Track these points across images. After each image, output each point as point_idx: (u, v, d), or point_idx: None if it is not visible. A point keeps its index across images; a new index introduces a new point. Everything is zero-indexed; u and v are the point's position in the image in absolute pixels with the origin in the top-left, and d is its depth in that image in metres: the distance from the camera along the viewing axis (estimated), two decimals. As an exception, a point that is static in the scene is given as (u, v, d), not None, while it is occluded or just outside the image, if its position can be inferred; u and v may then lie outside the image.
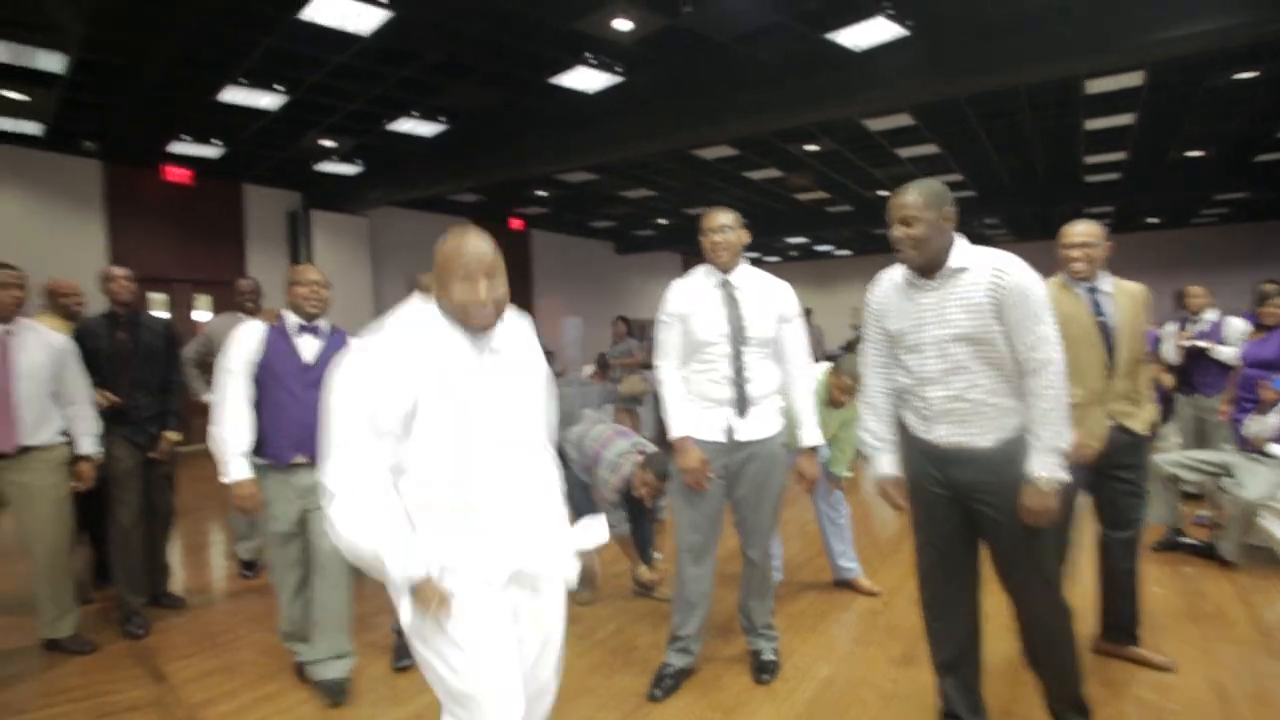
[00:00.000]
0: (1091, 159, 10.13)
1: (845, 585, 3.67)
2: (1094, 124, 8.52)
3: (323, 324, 2.78)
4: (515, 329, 1.63)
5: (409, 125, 8.31)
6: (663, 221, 14.93)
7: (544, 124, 8.22)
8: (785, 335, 2.69)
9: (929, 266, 2.07)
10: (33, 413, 3.02)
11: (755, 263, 2.80)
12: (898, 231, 2.06)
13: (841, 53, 6.31)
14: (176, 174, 9.60)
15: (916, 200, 2.04)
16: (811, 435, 2.72)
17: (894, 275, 2.20)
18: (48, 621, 3.14)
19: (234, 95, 7.23)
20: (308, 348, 2.72)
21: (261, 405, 2.66)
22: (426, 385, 1.46)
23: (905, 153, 9.82)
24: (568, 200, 12.67)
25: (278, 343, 2.69)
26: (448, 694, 1.50)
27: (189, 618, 3.56)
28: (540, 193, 12.12)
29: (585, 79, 6.98)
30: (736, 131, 8.01)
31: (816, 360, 3.31)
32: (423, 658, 1.52)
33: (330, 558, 2.65)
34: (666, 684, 2.71)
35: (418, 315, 1.53)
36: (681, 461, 2.63)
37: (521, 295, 14.14)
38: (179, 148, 8.94)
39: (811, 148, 9.58)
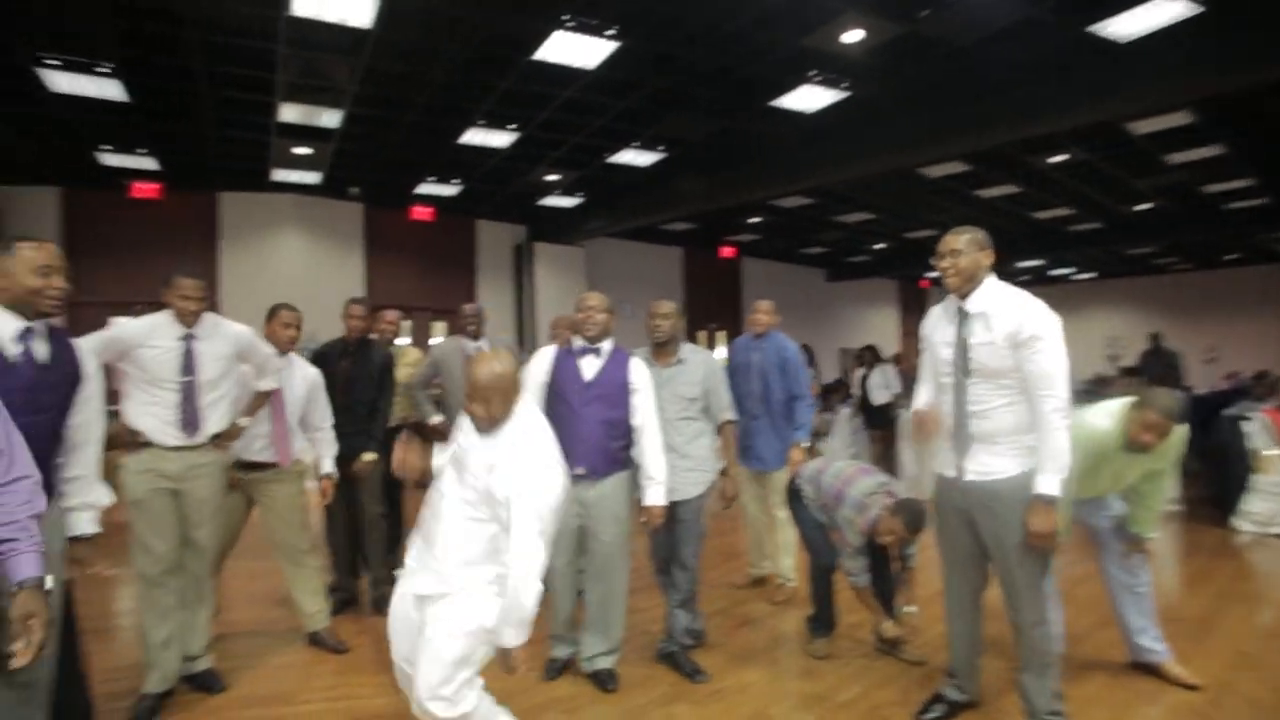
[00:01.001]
0: None
1: (1148, 670, 3.00)
2: None
3: (605, 345, 2.99)
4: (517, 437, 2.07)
5: (628, 156, 8.52)
6: (879, 246, 14.19)
7: (761, 148, 8.06)
8: (1021, 362, 2.29)
9: None
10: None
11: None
12: None
13: (1103, 45, 5.53)
14: (421, 212, 10.61)
15: None
16: (1045, 482, 2.25)
17: None
18: (306, 615, 3.42)
19: (472, 136, 7.82)
20: (589, 367, 2.96)
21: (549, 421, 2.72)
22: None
23: (1178, 158, 8.47)
24: (780, 226, 12.41)
25: (565, 363, 2.98)
26: None
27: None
28: (753, 219, 11.98)
29: (807, 98, 6.73)
30: (971, 144, 7.30)
31: None
32: None
33: (606, 561, 2.97)
34: (935, 710, 2.65)
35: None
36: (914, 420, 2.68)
37: (732, 324, 14.03)
38: (424, 188, 9.86)
39: (1058, 159, 8.57)
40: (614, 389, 2.92)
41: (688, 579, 3.16)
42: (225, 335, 2.96)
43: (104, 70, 5.97)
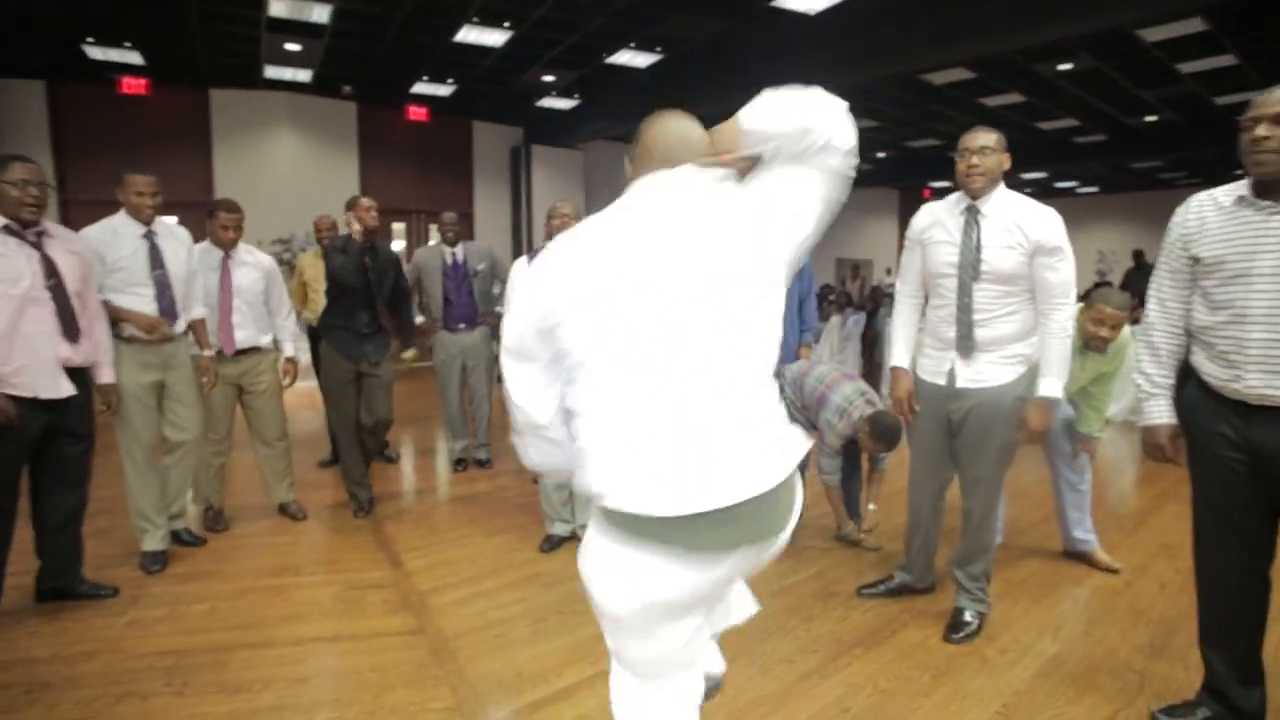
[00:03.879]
0: None
1: (1078, 558, 3.28)
2: None
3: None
4: None
5: (626, 57, 8.35)
6: (881, 155, 13.97)
7: (760, 51, 7.88)
8: (1040, 270, 2.36)
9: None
10: (247, 321, 3.58)
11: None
12: (1261, 130, 1.71)
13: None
14: (416, 113, 10.44)
15: None
16: (1049, 385, 2.38)
17: (1215, 195, 1.88)
18: (274, 491, 3.85)
19: (467, 34, 7.64)
20: None
21: None
22: None
23: (1188, 67, 8.30)
24: (779, 133, 12.21)
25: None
26: None
27: (419, 514, 3.97)
28: (752, 125, 11.77)
29: (808, -2, 6.56)
30: (976, 50, 7.15)
31: None
32: None
33: None
34: (878, 588, 2.93)
35: None
36: (891, 391, 2.70)
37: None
38: (419, 88, 9.68)
39: (1065, 66, 8.39)
40: None
41: None
42: (181, 239, 3.22)
43: (85, -43, 5.82)
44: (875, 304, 9.46)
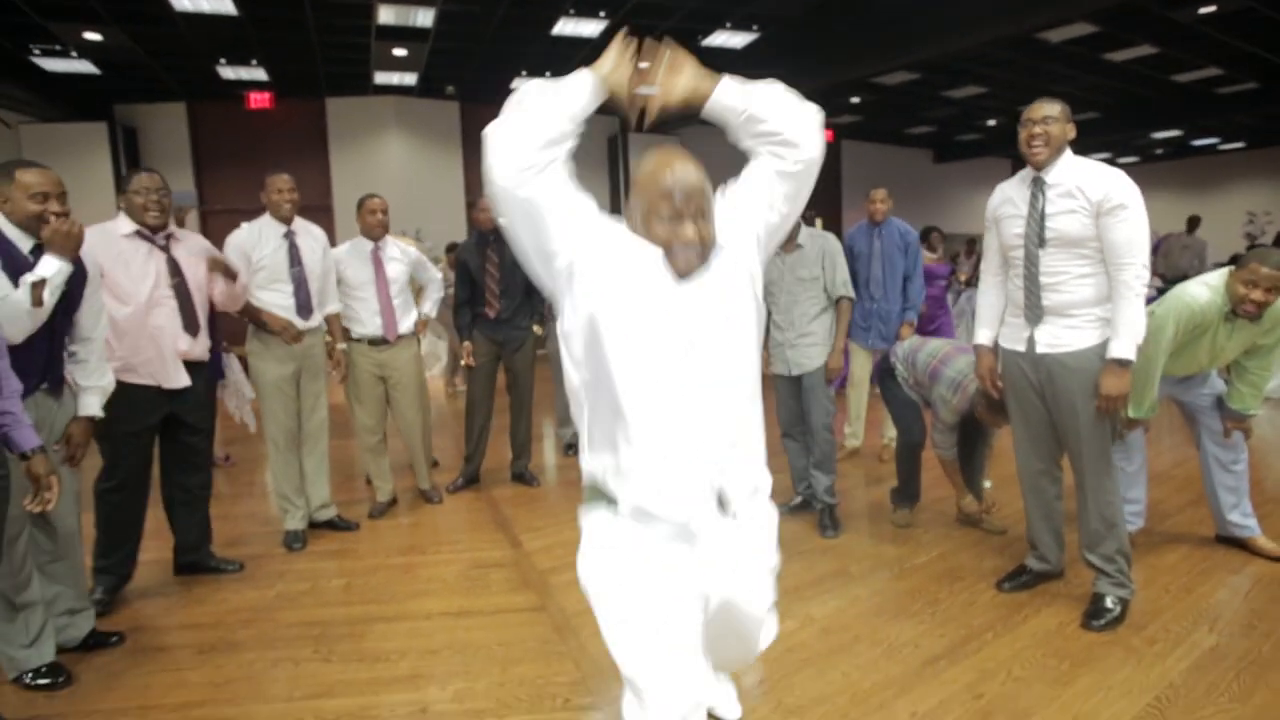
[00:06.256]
0: None
1: (1235, 544, 3.01)
2: None
3: None
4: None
5: (722, 38, 8.25)
6: (991, 123, 13.22)
7: (862, 21, 7.61)
8: (1103, 230, 2.28)
9: None
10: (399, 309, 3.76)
11: (1108, 164, 2.40)
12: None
13: None
14: (517, 108, 10.70)
15: None
16: (1119, 347, 2.28)
17: None
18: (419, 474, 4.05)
19: (564, 27, 7.76)
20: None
21: None
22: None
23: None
24: (883, 106, 11.76)
25: None
26: None
27: (534, 496, 4.09)
28: (854, 99, 11.39)
29: (912, -40, 6.27)
30: (1101, 1, 6.63)
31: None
32: None
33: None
34: (1019, 579, 2.75)
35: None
36: (976, 368, 2.75)
37: (830, 210, 13.63)
38: (518, 83, 9.90)
39: (1207, 9, 7.63)
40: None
41: (820, 441, 3.35)
42: (316, 237, 3.45)
43: (215, -17, 6.28)
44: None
